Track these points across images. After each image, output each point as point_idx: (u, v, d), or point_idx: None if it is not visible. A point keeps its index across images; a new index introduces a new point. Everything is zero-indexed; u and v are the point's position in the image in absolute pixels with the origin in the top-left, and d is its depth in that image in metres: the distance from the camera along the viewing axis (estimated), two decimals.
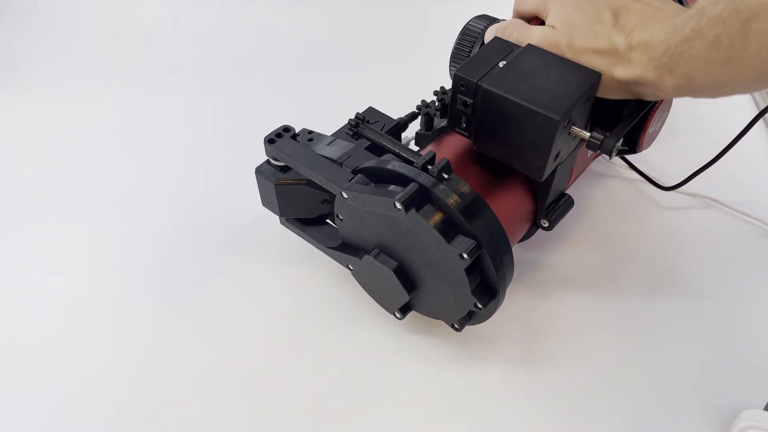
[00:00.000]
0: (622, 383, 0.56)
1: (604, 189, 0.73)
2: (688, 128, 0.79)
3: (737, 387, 0.55)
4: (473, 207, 0.47)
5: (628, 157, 0.70)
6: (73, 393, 0.55)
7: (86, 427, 0.54)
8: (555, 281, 0.63)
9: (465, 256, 0.46)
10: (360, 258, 0.54)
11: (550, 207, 0.57)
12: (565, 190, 0.60)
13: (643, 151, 0.58)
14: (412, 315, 0.58)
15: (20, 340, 0.59)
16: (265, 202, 0.60)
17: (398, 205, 0.46)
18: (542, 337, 0.59)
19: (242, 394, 0.56)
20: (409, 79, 0.86)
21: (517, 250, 0.65)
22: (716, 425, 0.53)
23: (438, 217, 0.47)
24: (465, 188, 0.47)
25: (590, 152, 0.61)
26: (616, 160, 0.72)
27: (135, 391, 0.56)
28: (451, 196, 0.46)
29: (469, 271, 0.48)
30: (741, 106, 0.83)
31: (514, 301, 0.61)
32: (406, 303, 0.55)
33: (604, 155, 0.53)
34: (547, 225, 0.58)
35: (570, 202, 0.59)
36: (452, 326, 0.55)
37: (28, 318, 0.61)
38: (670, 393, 0.55)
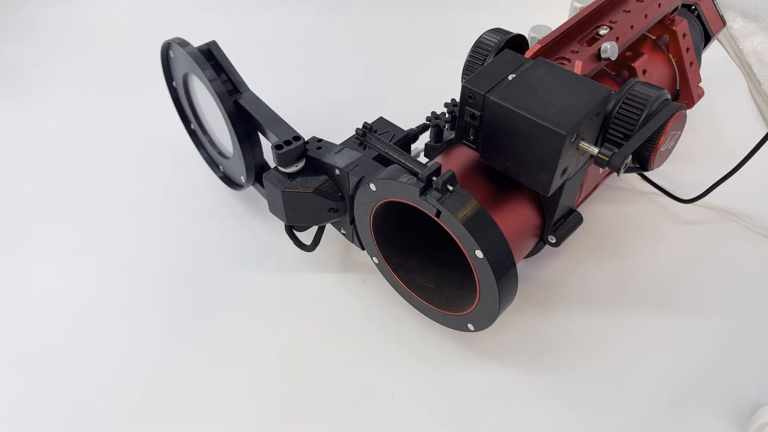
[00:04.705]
0: (635, 381, 0.56)
1: (617, 202, 0.72)
2: (700, 142, 0.78)
3: (754, 385, 0.55)
4: (477, 220, 0.47)
5: None
6: (82, 399, 0.56)
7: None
8: (564, 298, 0.62)
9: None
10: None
11: (557, 223, 0.57)
12: (576, 207, 0.59)
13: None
14: (423, 320, 0.59)
15: (31, 346, 0.60)
16: (272, 209, 0.60)
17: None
18: (552, 344, 0.58)
19: (254, 399, 0.55)
20: (425, 89, 0.86)
21: (524, 265, 0.64)
22: (734, 423, 0.53)
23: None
24: (469, 201, 0.47)
25: (602, 169, 0.60)
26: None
27: (146, 395, 0.56)
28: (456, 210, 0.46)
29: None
30: (752, 121, 0.82)
31: (523, 314, 0.60)
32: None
33: None
34: (554, 241, 0.57)
35: (578, 219, 0.58)
36: (466, 326, 0.55)
37: (39, 324, 0.62)
38: (686, 392, 0.55)
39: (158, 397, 0.55)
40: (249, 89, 0.62)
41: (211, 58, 0.62)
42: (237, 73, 0.62)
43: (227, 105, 0.59)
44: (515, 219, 0.53)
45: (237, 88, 0.62)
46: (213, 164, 0.73)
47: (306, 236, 0.63)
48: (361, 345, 0.59)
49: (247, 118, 0.61)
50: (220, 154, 0.71)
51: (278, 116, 0.59)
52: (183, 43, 0.61)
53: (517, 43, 0.60)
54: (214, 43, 0.62)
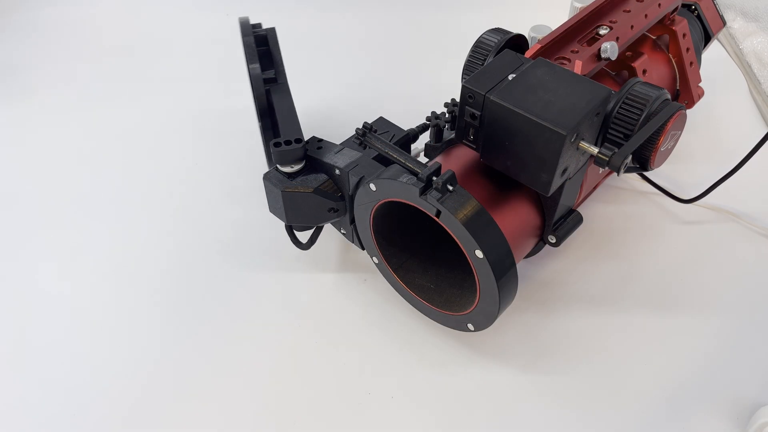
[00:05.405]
0: (635, 381, 0.56)
1: (617, 202, 0.72)
2: (700, 142, 0.78)
3: (754, 385, 0.55)
4: (477, 220, 0.47)
5: None
6: (82, 399, 0.56)
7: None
8: (564, 298, 0.62)
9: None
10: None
11: (557, 223, 0.57)
12: (576, 207, 0.59)
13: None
14: (424, 320, 0.59)
15: (31, 346, 0.60)
16: (272, 209, 0.60)
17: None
18: (552, 344, 0.58)
19: (254, 399, 0.55)
20: (425, 89, 0.86)
21: (524, 265, 0.64)
22: (734, 423, 0.53)
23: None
24: (469, 201, 0.47)
25: (602, 169, 0.60)
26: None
27: (146, 396, 0.56)
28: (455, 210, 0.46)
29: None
30: (752, 121, 0.82)
31: (523, 314, 0.60)
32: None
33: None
34: (554, 241, 0.57)
35: (578, 219, 0.58)
36: (466, 326, 0.55)
37: (39, 324, 0.62)
38: (686, 392, 0.55)
39: (158, 397, 0.55)
40: (286, 82, 0.63)
41: (263, 44, 0.63)
42: (282, 64, 0.63)
43: (259, 93, 0.60)
44: (515, 219, 0.53)
45: (277, 80, 0.63)
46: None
47: (306, 236, 0.63)
48: (361, 345, 0.59)
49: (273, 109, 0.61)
50: None
51: (295, 115, 0.60)
52: (244, 28, 0.63)
53: (517, 43, 0.60)
54: (272, 30, 0.64)
